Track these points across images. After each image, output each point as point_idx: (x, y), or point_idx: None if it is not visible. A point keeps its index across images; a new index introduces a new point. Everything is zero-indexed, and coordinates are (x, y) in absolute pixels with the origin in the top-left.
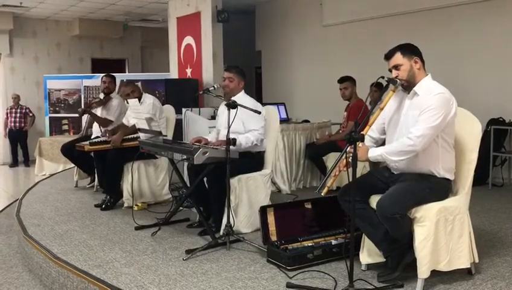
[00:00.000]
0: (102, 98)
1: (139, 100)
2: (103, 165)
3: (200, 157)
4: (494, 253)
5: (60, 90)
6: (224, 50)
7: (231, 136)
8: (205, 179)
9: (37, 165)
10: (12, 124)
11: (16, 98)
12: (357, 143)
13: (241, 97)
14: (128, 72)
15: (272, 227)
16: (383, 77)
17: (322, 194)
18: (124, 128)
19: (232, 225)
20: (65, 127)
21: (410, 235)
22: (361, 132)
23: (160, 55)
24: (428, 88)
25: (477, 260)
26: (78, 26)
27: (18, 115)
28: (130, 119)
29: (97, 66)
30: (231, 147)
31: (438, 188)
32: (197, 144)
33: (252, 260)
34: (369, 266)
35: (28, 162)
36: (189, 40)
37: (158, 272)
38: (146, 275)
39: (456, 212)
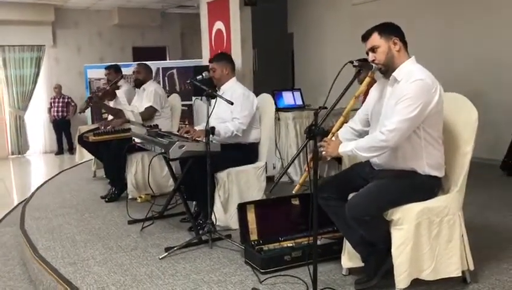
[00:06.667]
0: (107, 88)
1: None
2: (107, 156)
3: (176, 152)
4: (504, 256)
5: (99, 79)
6: (256, 33)
7: (220, 123)
8: None
9: (78, 152)
10: (55, 113)
11: (57, 88)
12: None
13: (232, 85)
14: (169, 60)
15: (252, 225)
16: (351, 62)
17: (294, 191)
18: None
19: (215, 222)
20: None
21: (389, 239)
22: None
23: (200, 41)
24: (408, 73)
25: (472, 267)
26: (117, 15)
27: (60, 104)
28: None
29: (138, 54)
30: (211, 136)
31: (422, 187)
32: (185, 135)
33: (231, 260)
34: (351, 271)
35: (73, 150)
36: (219, 25)
37: (127, 272)
38: (113, 276)
39: (444, 214)
